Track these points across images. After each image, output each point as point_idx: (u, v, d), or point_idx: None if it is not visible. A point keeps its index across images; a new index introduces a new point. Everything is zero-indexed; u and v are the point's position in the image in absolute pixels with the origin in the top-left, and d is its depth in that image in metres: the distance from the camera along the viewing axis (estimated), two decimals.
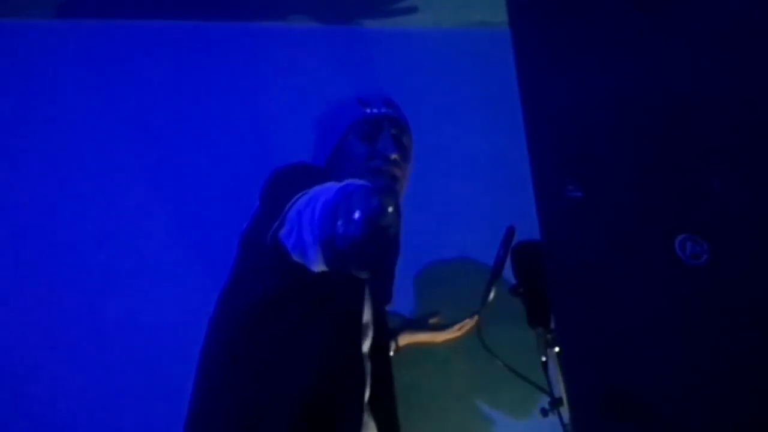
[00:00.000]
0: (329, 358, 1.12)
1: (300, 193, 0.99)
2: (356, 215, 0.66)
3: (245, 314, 1.12)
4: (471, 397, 1.69)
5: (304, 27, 2.05)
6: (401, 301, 1.46)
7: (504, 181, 1.81)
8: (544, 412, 1.25)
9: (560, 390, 1.22)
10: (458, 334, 1.58)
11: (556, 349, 1.25)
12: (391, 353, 1.56)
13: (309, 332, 1.10)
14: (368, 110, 1.33)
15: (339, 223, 0.68)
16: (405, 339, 1.59)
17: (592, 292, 0.92)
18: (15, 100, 1.84)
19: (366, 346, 1.24)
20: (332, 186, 0.93)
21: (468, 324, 1.55)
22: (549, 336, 1.27)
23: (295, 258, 0.95)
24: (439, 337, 1.60)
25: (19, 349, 1.62)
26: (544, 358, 1.27)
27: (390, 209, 0.65)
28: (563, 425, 1.22)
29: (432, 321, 1.61)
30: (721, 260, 0.80)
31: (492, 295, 1.31)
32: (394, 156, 1.29)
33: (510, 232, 1.29)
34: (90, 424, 1.58)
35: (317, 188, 0.97)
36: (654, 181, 0.88)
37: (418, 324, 1.62)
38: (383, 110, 1.34)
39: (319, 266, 0.89)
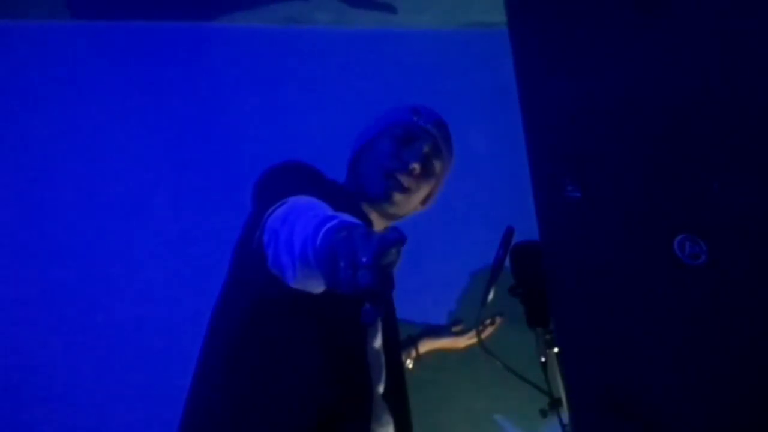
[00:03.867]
0: (329, 357, 1.10)
1: (279, 203, 0.98)
2: (363, 259, 0.63)
3: (242, 318, 1.11)
4: (470, 397, 1.69)
5: (305, 28, 2.05)
6: (400, 302, 1.45)
7: (503, 181, 1.81)
8: (543, 413, 1.25)
9: (559, 390, 1.22)
10: (464, 345, 1.58)
11: (555, 349, 1.26)
12: (411, 360, 1.55)
13: (306, 333, 1.09)
14: (415, 119, 1.32)
15: (341, 265, 0.65)
16: (426, 346, 1.58)
17: (591, 292, 0.92)
18: (15, 101, 1.84)
19: (377, 342, 1.23)
20: (311, 206, 0.91)
21: (489, 328, 1.54)
22: (548, 336, 1.27)
23: (274, 271, 0.94)
24: (461, 342, 1.59)
25: (18, 349, 1.62)
26: (543, 359, 1.27)
27: (394, 251, 0.63)
28: (562, 426, 1.22)
29: (455, 329, 1.60)
30: (719, 260, 0.80)
31: (491, 295, 1.31)
32: (414, 166, 1.27)
33: (509, 232, 1.29)
34: (88, 423, 1.58)
35: (296, 201, 0.96)
36: (653, 181, 0.88)
37: (439, 330, 1.62)
38: (429, 127, 1.33)
39: (297, 286, 0.87)
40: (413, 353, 1.56)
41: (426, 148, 1.32)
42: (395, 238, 0.63)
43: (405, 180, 1.28)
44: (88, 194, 1.79)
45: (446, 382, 1.71)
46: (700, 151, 0.86)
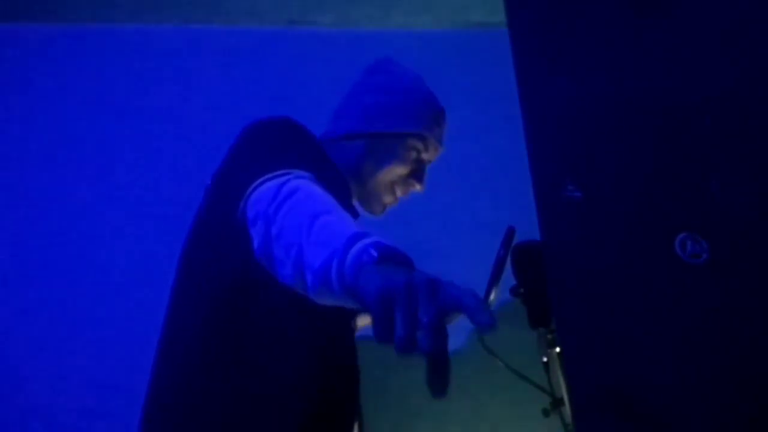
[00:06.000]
0: (322, 348, 1.01)
1: (269, 174, 0.87)
2: (424, 319, 0.53)
3: (221, 297, 0.97)
4: (472, 397, 1.69)
5: (305, 29, 2.06)
6: None
7: (504, 181, 1.81)
8: (546, 413, 1.25)
9: (561, 390, 1.22)
10: None
11: (557, 349, 1.25)
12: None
13: (296, 322, 0.98)
14: (435, 132, 1.26)
15: (398, 318, 0.54)
16: (363, 320, 1.43)
17: (592, 292, 0.91)
18: (14, 103, 1.85)
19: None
20: (318, 204, 0.80)
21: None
22: (550, 336, 1.27)
23: (261, 260, 0.84)
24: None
25: (18, 350, 1.62)
26: (545, 359, 1.27)
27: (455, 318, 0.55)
28: (565, 425, 1.22)
29: None
30: (720, 259, 0.80)
31: (492, 295, 1.31)
32: (416, 189, 1.26)
33: (510, 232, 1.29)
34: (87, 424, 1.58)
35: (294, 186, 0.84)
36: (653, 180, 0.88)
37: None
38: (441, 140, 1.30)
39: (294, 287, 0.78)
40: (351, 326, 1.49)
41: (429, 161, 1.30)
42: (482, 320, 0.52)
43: (401, 194, 1.26)
44: (88, 193, 1.79)
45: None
46: (700, 150, 0.86)
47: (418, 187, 1.26)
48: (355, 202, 1.24)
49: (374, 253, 0.65)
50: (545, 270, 0.98)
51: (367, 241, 0.68)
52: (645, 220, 0.88)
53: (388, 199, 1.25)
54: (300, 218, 0.77)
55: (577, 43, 1.00)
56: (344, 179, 1.18)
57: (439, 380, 0.53)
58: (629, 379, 0.87)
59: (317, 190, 0.86)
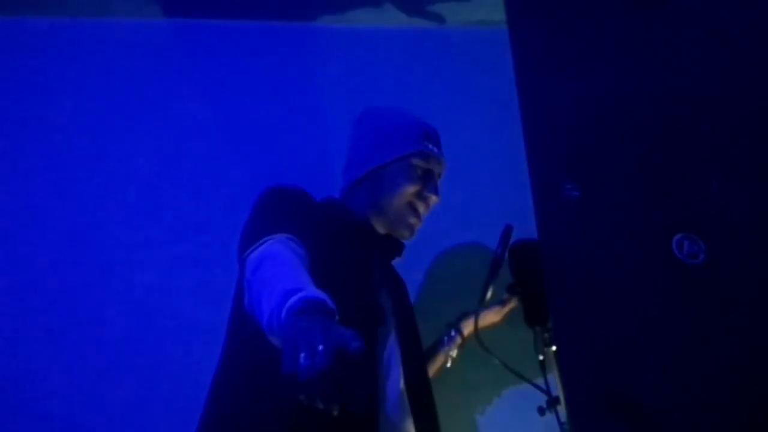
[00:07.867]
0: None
1: (259, 242, 1.05)
2: (319, 347, 0.70)
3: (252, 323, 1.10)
4: (468, 395, 1.70)
5: (305, 26, 2.06)
6: None
7: (503, 180, 1.81)
8: (542, 411, 1.26)
9: (557, 389, 1.22)
10: (503, 315, 1.52)
11: (554, 347, 1.26)
12: (456, 346, 1.51)
13: None
14: (430, 146, 1.35)
15: (302, 356, 0.70)
16: (469, 327, 1.51)
17: (589, 291, 0.92)
18: (14, 101, 1.84)
19: (390, 339, 1.21)
20: (278, 266, 0.97)
21: (512, 304, 1.49)
22: (546, 335, 1.28)
23: (248, 312, 1.00)
24: (498, 316, 1.54)
25: (22, 352, 1.61)
26: (541, 357, 1.27)
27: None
28: (560, 424, 1.23)
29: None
30: (718, 259, 0.81)
31: (490, 293, 1.32)
32: (433, 199, 1.33)
33: (508, 230, 1.30)
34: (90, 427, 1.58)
35: (269, 250, 1.02)
36: (651, 180, 0.88)
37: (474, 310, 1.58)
38: (438, 151, 1.37)
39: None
40: (458, 340, 1.50)
41: (439, 174, 1.38)
42: (355, 345, 0.71)
43: (423, 211, 1.34)
44: (85, 196, 1.78)
45: (444, 381, 1.72)
46: (699, 150, 0.86)
47: (434, 198, 1.34)
48: (382, 232, 1.36)
49: (301, 306, 0.82)
50: (542, 269, 0.99)
51: (296, 297, 0.84)
52: (642, 219, 0.88)
53: (411, 219, 1.32)
54: (265, 279, 0.96)
55: (577, 43, 1.00)
56: (354, 223, 1.30)
57: (327, 391, 0.70)
58: (624, 378, 0.87)
59: (285, 253, 1.03)
